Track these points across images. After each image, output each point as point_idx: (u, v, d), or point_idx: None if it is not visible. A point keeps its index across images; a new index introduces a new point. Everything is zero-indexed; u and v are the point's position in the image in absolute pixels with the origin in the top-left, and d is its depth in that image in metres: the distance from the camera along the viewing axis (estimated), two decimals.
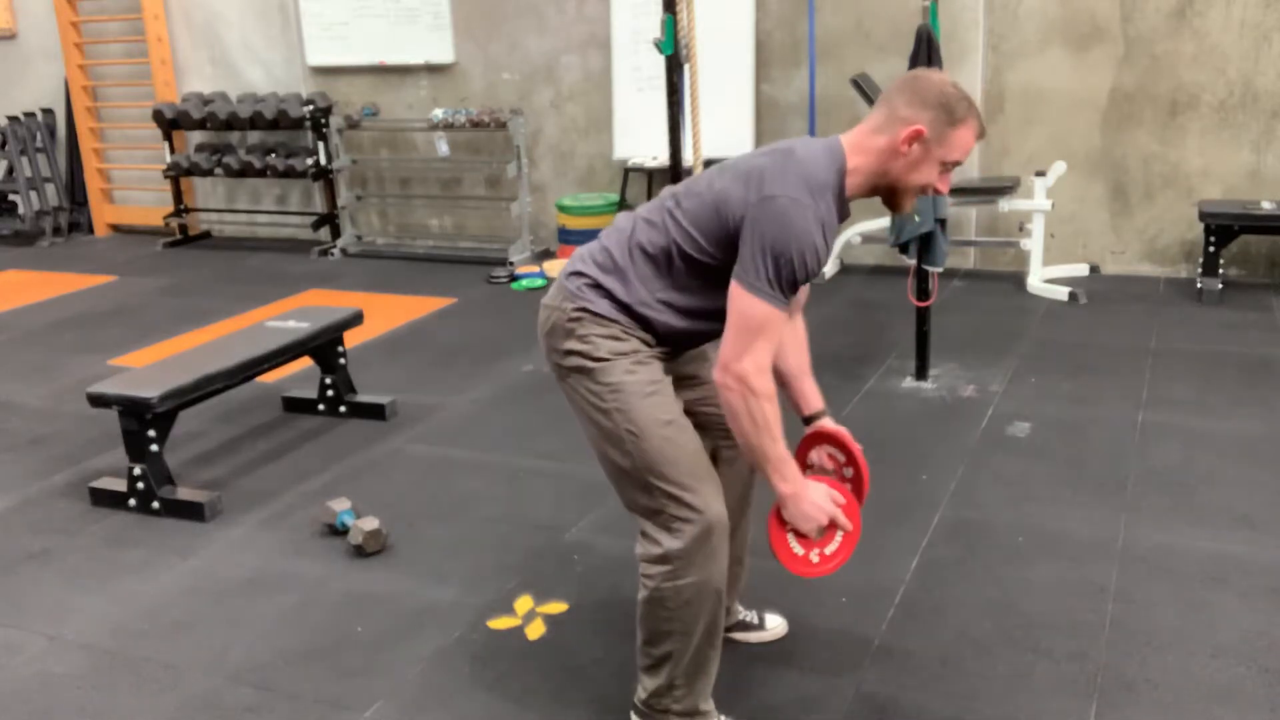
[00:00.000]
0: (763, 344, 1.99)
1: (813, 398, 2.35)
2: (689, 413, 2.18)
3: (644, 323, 2.12)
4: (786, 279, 1.97)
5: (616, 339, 2.10)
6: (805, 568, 2.20)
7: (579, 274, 2.15)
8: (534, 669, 2.59)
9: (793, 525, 2.14)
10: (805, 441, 2.35)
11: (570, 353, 2.12)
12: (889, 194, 2.12)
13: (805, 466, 2.43)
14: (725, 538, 2.08)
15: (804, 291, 2.34)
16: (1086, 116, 5.77)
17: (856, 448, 2.31)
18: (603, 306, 2.11)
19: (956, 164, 2.09)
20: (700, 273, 2.09)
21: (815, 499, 2.11)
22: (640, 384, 2.08)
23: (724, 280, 2.02)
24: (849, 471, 2.33)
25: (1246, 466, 3.48)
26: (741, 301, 1.99)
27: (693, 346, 2.27)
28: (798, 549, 2.19)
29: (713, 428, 2.28)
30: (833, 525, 2.14)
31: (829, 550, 2.19)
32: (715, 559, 2.06)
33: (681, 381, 2.26)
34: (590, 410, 2.11)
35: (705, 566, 2.05)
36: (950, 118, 2.02)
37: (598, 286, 2.12)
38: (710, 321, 2.11)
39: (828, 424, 2.33)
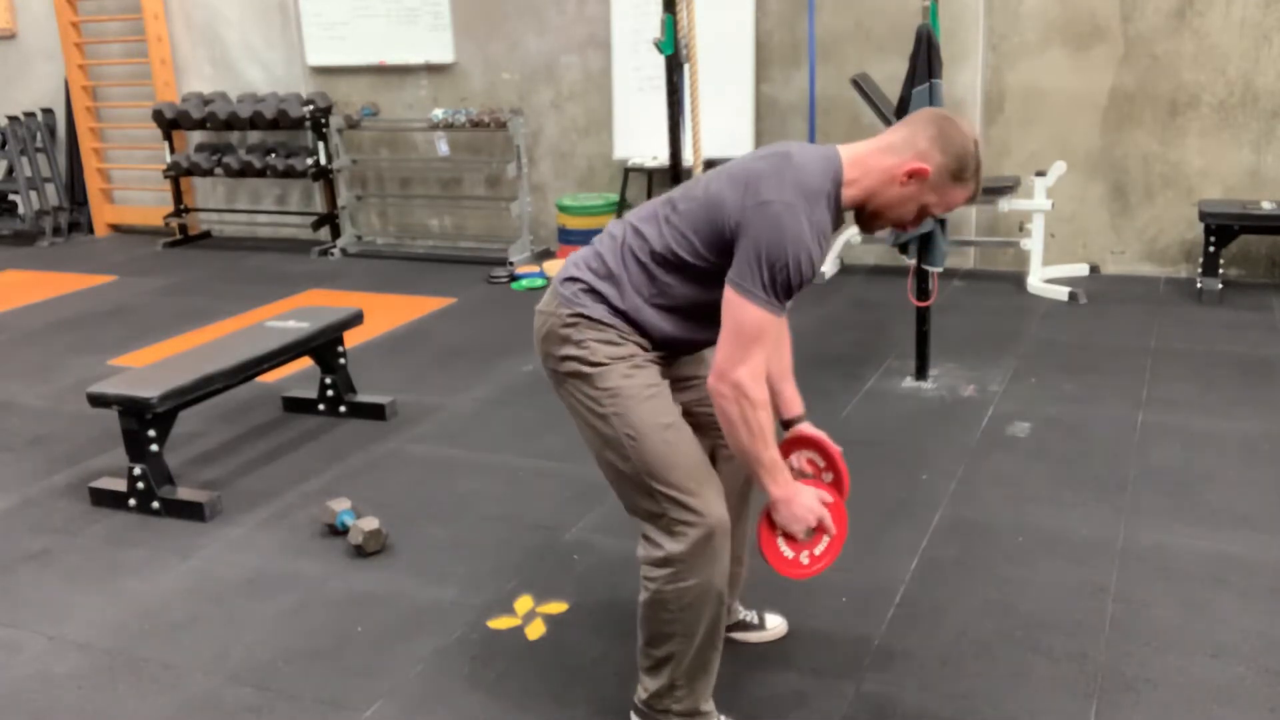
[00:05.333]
0: (758, 351, 1.99)
1: (793, 402, 2.36)
2: (687, 414, 2.17)
3: (640, 328, 2.12)
4: (781, 285, 1.96)
5: (613, 343, 2.10)
6: (795, 569, 2.24)
7: (574, 279, 2.14)
8: (534, 669, 2.59)
9: (783, 528, 2.17)
10: (784, 446, 2.34)
11: (567, 358, 2.11)
12: (867, 216, 2.12)
13: None
14: (727, 540, 2.08)
15: None
16: (1086, 116, 5.77)
17: (836, 450, 2.32)
18: (598, 311, 2.10)
19: (935, 214, 2.13)
20: (695, 278, 2.08)
21: (806, 502, 2.13)
22: (638, 387, 2.08)
23: (719, 285, 2.02)
24: (828, 477, 2.34)
25: (1246, 466, 3.49)
26: (737, 308, 1.98)
27: (689, 352, 2.26)
28: (787, 552, 2.21)
29: (710, 428, 2.27)
30: (821, 527, 2.18)
31: (818, 551, 2.23)
32: (717, 561, 2.06)
33: (679, 383, 2.25)
34: (588, 415, 2.11)
35: (707, 569, 2.05)
36: (958, 174, 2.04)
37: (593, 291, 2.11)
38: (706, 327, 2.10)
39: (807, 428, 2.34)
